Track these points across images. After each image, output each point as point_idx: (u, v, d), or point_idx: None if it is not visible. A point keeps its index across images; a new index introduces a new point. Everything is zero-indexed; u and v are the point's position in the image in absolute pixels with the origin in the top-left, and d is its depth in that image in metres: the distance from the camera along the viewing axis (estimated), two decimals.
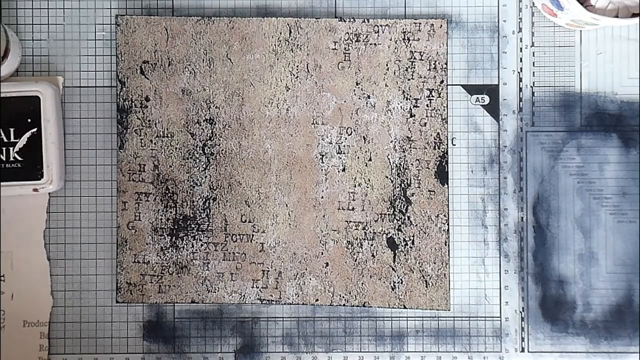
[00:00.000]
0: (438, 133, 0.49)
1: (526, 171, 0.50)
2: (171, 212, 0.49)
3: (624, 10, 0.45)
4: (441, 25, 0.49)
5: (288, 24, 0.49)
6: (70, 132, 0.50)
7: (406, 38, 0.49)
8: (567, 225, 0.50)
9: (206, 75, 0.49)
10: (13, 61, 0.49)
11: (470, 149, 0.50)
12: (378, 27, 0.49)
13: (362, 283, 0.49)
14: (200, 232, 0.49)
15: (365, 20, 0.49)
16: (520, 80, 0.50)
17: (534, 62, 0.51)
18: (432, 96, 0.49)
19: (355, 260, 0.49)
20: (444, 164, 0.49)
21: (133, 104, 0.49)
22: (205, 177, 0.49)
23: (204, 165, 0.49)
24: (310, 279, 0.49)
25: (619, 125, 0.50)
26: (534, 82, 0.50)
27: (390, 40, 0.49)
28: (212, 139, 0.49)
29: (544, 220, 0.50)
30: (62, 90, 0.50)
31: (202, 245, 0.49)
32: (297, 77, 0.49)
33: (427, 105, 0.49)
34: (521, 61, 0.51)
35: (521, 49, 0.51)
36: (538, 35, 0.51)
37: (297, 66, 0.49)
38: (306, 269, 0.49)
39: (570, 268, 0.50)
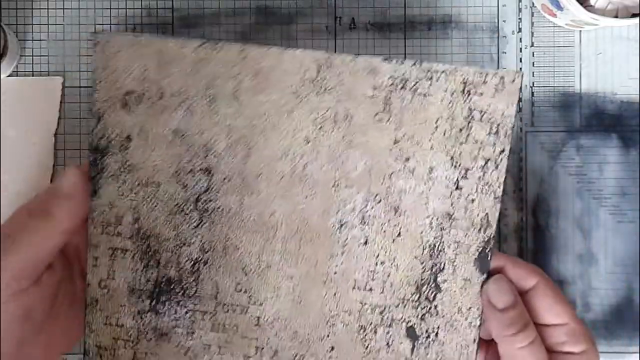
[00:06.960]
0: (487, 214, 0.40)
1: (526, 171, 0.50)
2: (152, 273, 0.41)
3: (624, 10, 0.45)
4: (514, 80, 0.38)
5: (317, 60, 0.38)
6: (70, 132, 0.50)
7: (466, 91, 0.38)
8: (567, 226, 0.50)
9: (206, 115, 0.39)
10: (11, 60, 0.48)
11: None
12: (432, 72, 0.38)
13: None
14: (186, 298, 0.41)
15: (417, 63, 0.38)
16: None
17: (533, 63, 0.50)
18: (488, 167, 0.39)
19: (367, 348, 0.42)
20: (487, 250, 0.40)
21: (110, 143, 0.39)
22: (196, 236, 0.40)
23: (196, 223, 0.40)
24: None
25: (619, 125, 0.50)
26: (533, 83, 0.50)
27: (445, 91, 0.38)
28: (207, 192, 0.40)
29: (544, 221, 0.50)
30: (62, 90, 0.50)
31: (187, 312, 0.41)
32: (321, 127, 0.39)
33: (479, 178, 0.39)
34: (521, 61, 0.50)
35: (521, 49, 0.50)
36: (538, 36, 0.50)
37: (323, 114, 0.39)
38: (307, 351, 0.42)
39: (569, 268, 0.50)
